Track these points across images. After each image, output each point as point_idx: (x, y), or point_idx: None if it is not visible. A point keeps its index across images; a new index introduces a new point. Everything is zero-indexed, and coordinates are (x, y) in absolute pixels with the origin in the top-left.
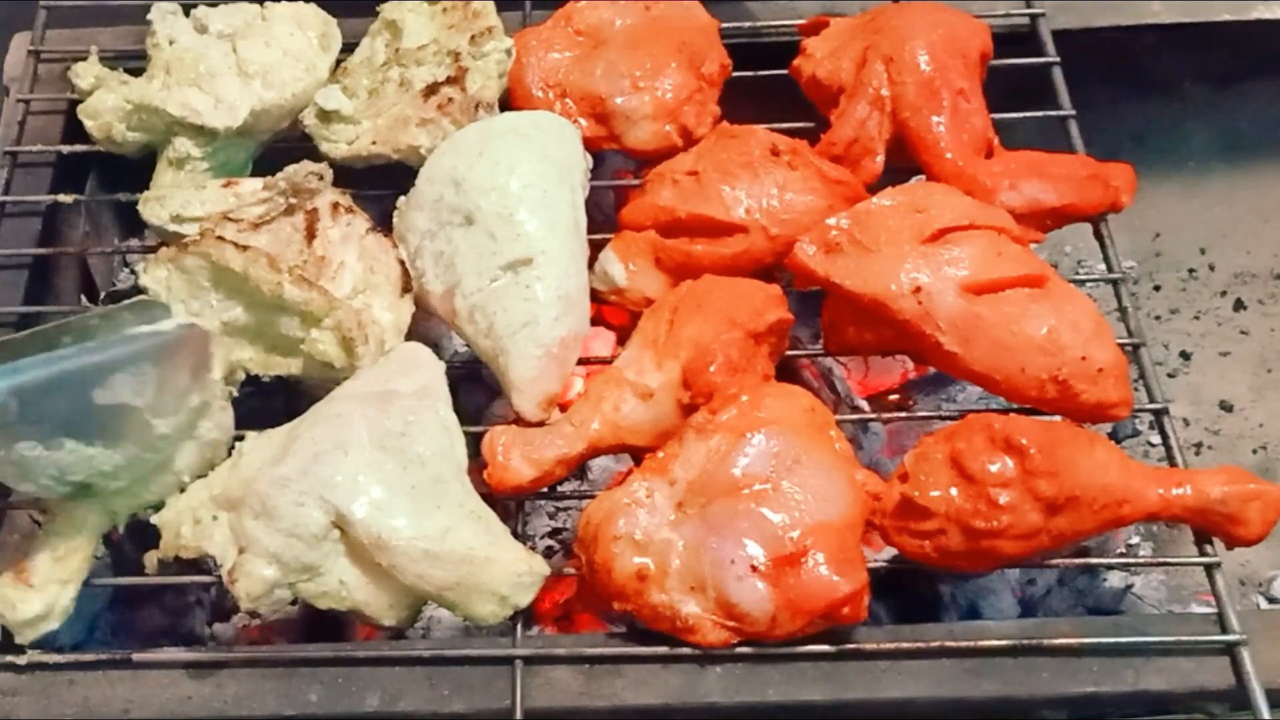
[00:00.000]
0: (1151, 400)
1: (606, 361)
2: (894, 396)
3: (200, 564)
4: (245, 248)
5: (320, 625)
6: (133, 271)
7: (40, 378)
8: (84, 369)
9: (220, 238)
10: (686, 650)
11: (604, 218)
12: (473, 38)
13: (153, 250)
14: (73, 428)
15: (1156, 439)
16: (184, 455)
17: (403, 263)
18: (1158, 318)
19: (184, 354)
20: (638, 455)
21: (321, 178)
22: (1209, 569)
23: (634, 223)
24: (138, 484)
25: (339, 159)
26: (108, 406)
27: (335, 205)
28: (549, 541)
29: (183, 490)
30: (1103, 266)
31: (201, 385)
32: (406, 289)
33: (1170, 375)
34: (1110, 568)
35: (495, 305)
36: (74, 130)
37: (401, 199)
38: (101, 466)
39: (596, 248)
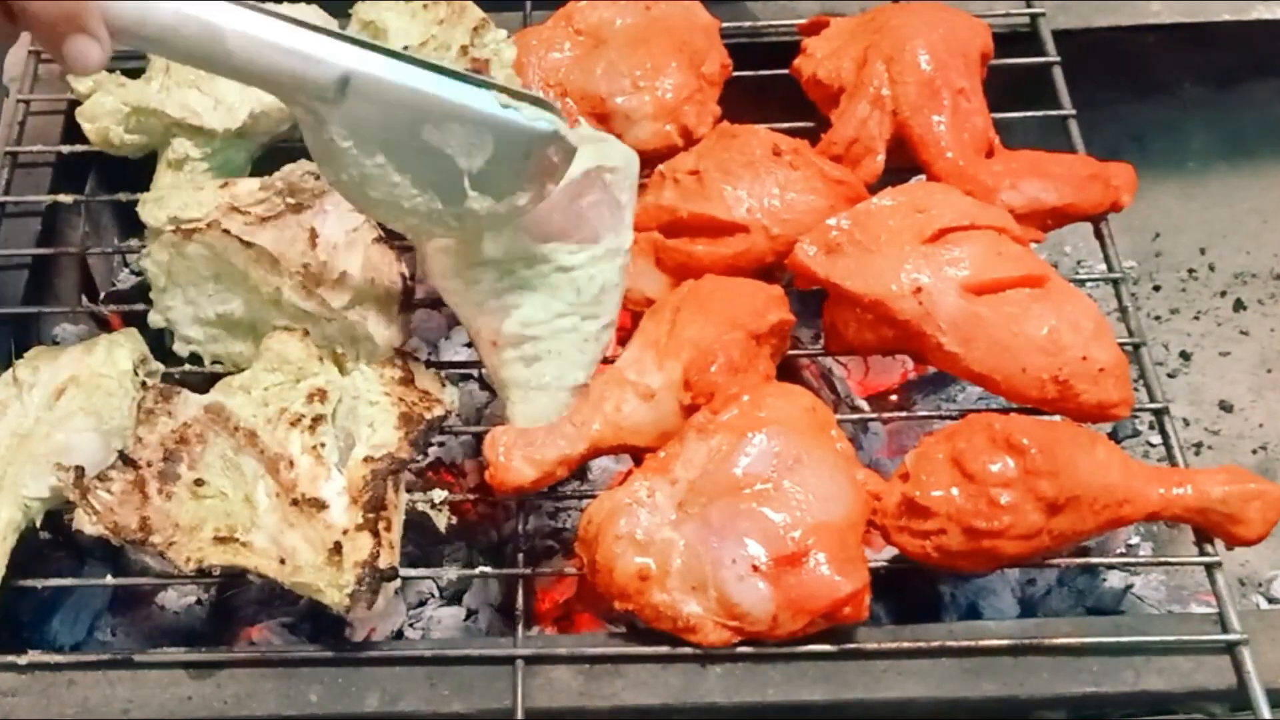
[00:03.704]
0: (1152, 400)
1: (607, 362)
2: (894, 396)
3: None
4: (249, 244)
5: (320, 625)
6: (134, 272)
7: (380, 77)
8: (425, 98)
9: (226, 231)
10: (687, 650)
11: None
12: (474, 30)
13: None
14: (390, 147)
15: (1156, 439)
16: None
17: (404, 277)
18: (1158, 318)
19: (535, 151)
20: (638, 455)
21: (319, 177)
22: (1209, 569)
23: (636, 223)
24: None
25: None
26: (431, 147)
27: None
28: (549, 541)
29: None
30: (1103, 266)
31: (537, 191)
32: (405, 306)
33: (1170, 375)
34: (1110, 568)
35: (554, 344)
36: (74, 130)
37: None
38: (400, 198)
39: None
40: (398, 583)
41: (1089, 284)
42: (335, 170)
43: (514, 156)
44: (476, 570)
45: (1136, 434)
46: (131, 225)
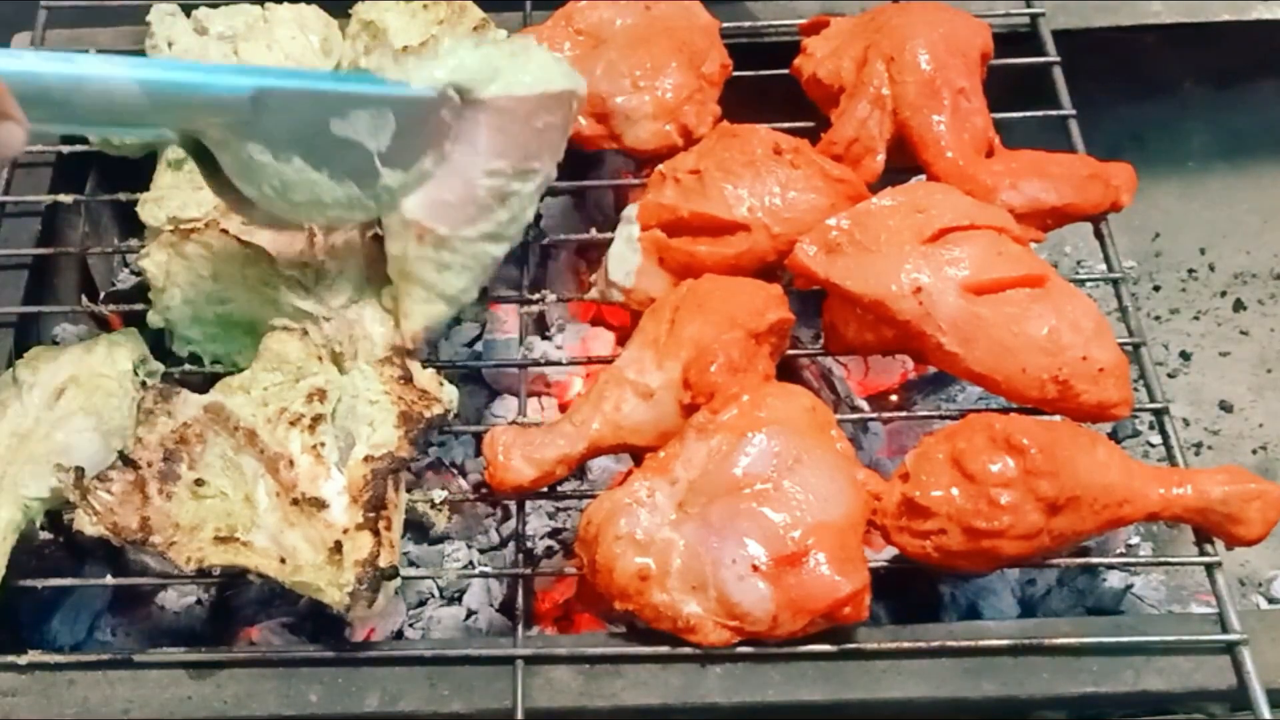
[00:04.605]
0: (1152, 400)
1: (607, 361)
2: (894, 397)
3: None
4: (248, 244)
5: (320, 625)
6: (134, 272)
7: (284, 87)
8: (327, 94)
9: (225, 230)
10: (686, 650)
11: (604, 218)
12: (474, 30)
13: None
14: (305, 149)
15: (1156, 439)
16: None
17: None
18: (1158, 318)
19: (429, 117)
20: (638, 455)
21: None
22: (1209, 569)
23: (639, 222)
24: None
25: None
26: (341, 139)
27: None
28: (549, 541)
29: None
30: (1103, 266)
31: (437, 154)
32: None
33: (1170, 375)
34: (1110, 568)
35: (468, 260)
36: None
37: None
38: (322, 195)
39: (599, 247)
40: (398, 582)
41: (1089, 284)
42: (256, 185)
43: (412, 126)
44: (476, 570)
45: (1136, 434)
46: (131, 225)
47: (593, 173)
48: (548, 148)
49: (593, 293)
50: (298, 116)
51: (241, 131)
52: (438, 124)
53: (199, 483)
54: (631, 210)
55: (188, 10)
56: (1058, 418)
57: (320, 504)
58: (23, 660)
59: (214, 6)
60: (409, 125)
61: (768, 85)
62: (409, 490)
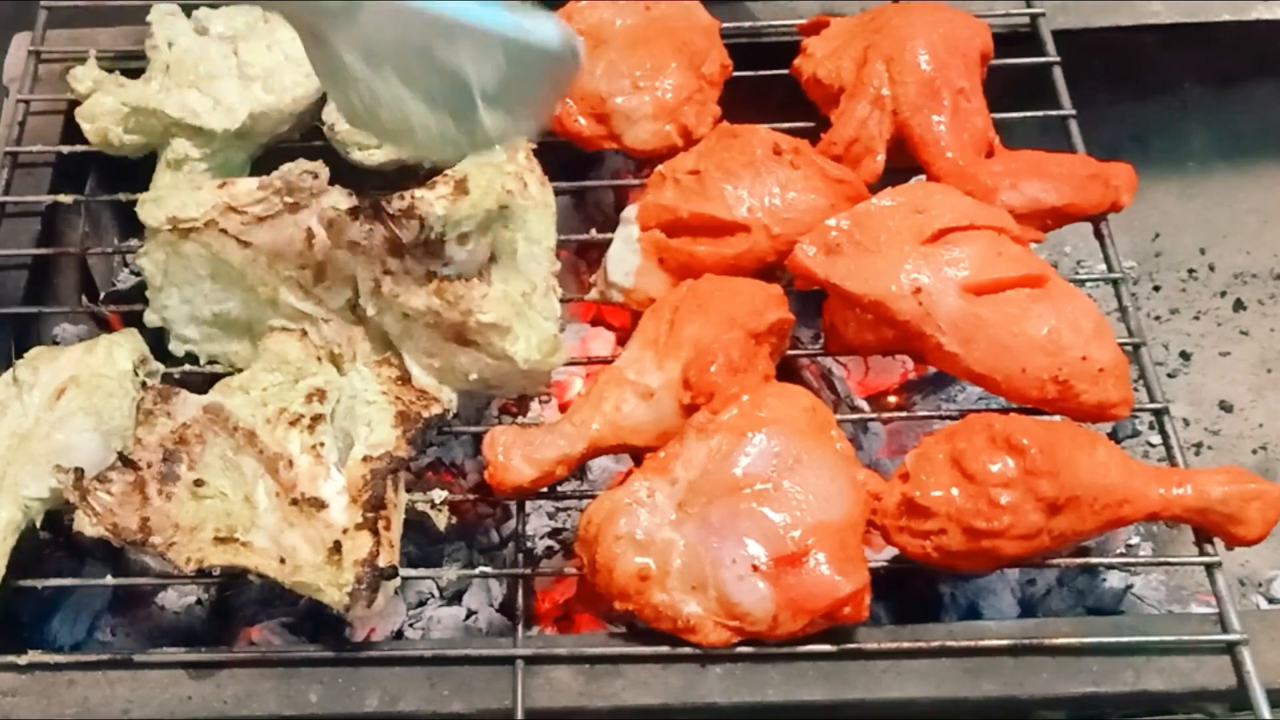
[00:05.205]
0: (1152, 400)
1: (607, 361)
2: (894, 397)
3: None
4: (246, 244)
5: (320, 625)
6: (133, 272)
7: None
8: (437, 16)
9: (223, 230)
10: (686, 650)
11: (604, 218)
12: None
13: None
14: (401, 64)
15: (1156, 439)
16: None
17: None
18: (1158, 318)
19: (542, 65)
20: (638, 455)
21: (316, 176)
22: (1209, 569)
23: (638, 223)
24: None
25: (375, 165)
26: (443, 65)
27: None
28: (549, 541)
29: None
30: (1103, 266)
31: (549, 107)
32: None
33: (1170, 375)
34: (1110, 568)
35: None
36: (74, 130)
37: None
38: (412, 119)
39: (599, 247)
40: (397, 582)
41: (1089, 284)
42: (344, 92)
43: (522, 71)
44: (476, 570)
45: (1136, 434)
46: (131, 225)
47: (593, 173)
48: None
49: (593, 293)
50: (398, 29)
51: (331, 29)
52: (554, 77)
53: (199, 483)
54: (631, 211)
55: (188, 10)
56: (1058, 418)
57: (319, 504)
58: (23, 660)
59: (214, 7)
60: (521, 69)
61: (768, 85)
62: (409, 490)
